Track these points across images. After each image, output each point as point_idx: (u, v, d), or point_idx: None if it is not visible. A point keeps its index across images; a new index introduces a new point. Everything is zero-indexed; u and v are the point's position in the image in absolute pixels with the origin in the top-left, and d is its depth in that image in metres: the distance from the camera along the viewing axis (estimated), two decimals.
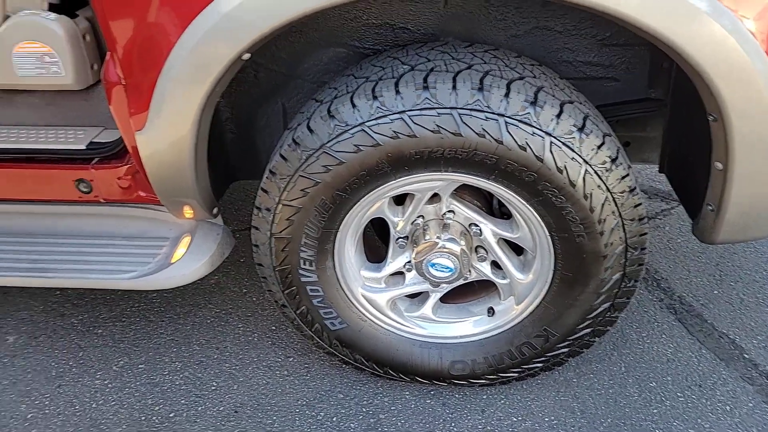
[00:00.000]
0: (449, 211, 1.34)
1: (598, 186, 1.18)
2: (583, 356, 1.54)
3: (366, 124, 1.17)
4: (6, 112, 1.58)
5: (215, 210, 1.48)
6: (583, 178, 1.16)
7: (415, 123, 1.15)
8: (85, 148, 1.47)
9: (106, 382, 1.59)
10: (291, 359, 1.64)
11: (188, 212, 1.45)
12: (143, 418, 1.50)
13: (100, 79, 1.60)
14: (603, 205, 1.19)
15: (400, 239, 1.39)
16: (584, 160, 1.15)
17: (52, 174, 1.50)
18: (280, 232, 1.31)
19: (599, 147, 1.17)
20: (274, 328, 1.74)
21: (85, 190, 1.50)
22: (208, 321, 1.78)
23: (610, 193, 1.19)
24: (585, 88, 1.35)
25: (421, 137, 1.16)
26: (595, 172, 1.17)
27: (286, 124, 1.54)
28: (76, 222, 1.61)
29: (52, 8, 1.49)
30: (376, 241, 1.59)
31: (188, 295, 1.86)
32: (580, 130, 1.16)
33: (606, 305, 1.33)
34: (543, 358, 1.43)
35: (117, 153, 1.46)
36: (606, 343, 1.63)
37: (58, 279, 1.50)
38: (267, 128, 1.54)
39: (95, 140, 1.49)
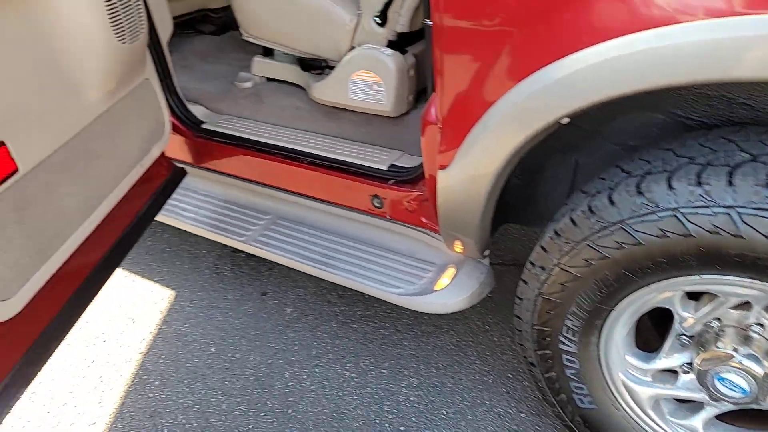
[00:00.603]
0: (758, 324, 1.15)
1: None
2: None
3: (681, 210, 1.06)
4: (331, 125, 1.85)
5: (486, 252, 1.52)
6: None
7: (745, 223, 1.00)
8: (386, 169, 1.64)
9: (352, 376, 1.77)
10: (523, 416, 1.60)
11: (458, 247, 1.52)
12: (377, 421, 1.62)
13: (411, 109, 1.78)
14: None
15: (684, 336, 1.24)
16: None
17: (355, 185, 1.70)
18: (550, 294, 1.28)
19: None
20: (510, 375, 1.72)
21: (377, 204, 1.67)
22: (448, 347, 1.84)
23: None
24: None
25: (749, 240, 1.00)
26: None
27: (575, 181, 1.49)
28: (362, 229, 1.81)
29: (390, 44, 1.70)
30: (647, 324, 1.44)
31: (434, 316, 1.95)
32: None
33: None
34: None
35: (411, 179, 1.60)
36: None
37: (339, 276, 1.70)
38: (553, 179, 1.52)
39: (395, 163, 1.66)
